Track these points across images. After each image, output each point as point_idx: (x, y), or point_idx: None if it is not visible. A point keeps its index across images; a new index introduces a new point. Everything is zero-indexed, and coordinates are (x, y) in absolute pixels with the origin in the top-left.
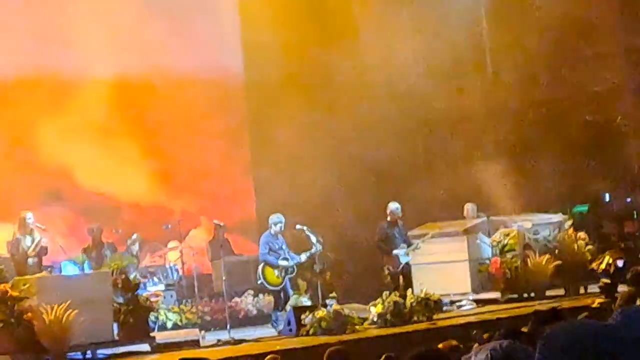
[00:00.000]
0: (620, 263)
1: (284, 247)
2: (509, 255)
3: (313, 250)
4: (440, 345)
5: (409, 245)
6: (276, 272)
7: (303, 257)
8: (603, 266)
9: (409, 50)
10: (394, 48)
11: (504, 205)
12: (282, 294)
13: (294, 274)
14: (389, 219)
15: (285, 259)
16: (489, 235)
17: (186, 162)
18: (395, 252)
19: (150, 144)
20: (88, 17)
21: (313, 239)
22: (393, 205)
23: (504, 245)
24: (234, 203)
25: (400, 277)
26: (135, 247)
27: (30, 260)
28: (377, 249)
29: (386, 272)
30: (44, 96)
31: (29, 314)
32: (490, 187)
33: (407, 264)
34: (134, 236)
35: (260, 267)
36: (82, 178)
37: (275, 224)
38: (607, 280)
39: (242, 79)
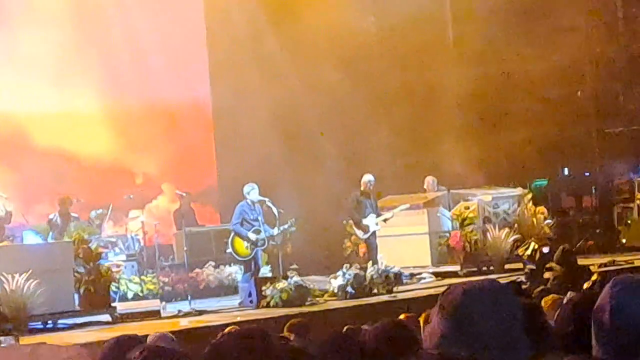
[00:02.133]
0: (545, 249)
1: (259, 218)
2: (468, 229)
3: (286, 226)
4: (402, 317)
5: (379, 216)
6: (245, 243)
7: (276, 230)
8: (529, 252)
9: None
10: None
11: (464, 179)
12: (252, 265)
13: (264, 246)
14: (362, 188)
15: (258, 230)
16: (450, 209)
17: (148, 123)
18: (364, 221)
19: (110, 97)
20: None
21: (274, 210)
22: (367, 177)
23: (464, 219)
24: (195, 170)
25: (365, 247)
26: (97, 218)
27: None
28: (343, 219)
29: (348, 243)
30: None
31: None
32: (451, 161)
33: (372, 236)
34: (100, 211)
35: (230, 237)
36: (38, 136)
37: (249, 193)
38: (532, 267)
39: (205, 43)
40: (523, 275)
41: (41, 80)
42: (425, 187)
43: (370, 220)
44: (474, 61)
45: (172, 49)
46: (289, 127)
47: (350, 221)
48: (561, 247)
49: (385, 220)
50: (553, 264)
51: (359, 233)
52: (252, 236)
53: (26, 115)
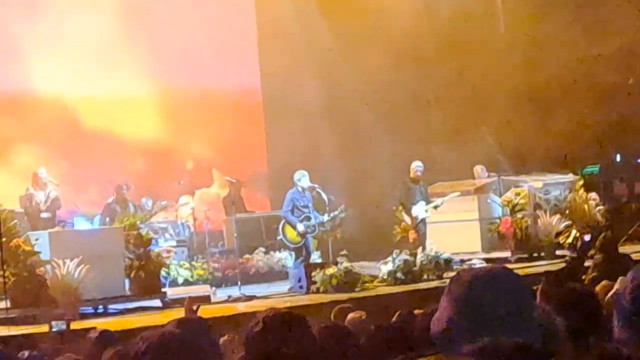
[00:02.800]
0: (587, 237)
1: (309, 204)
2: (519, 215)
3: (337, 213)
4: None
5: (428, 203)
6: (296, 230)
7: (326, 217)
8: (570, 240)
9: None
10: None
11: (515, 165)
12: (302, 251)
13: (315, 232)
14: (411, 175)
15: (308, 217)
16: (500, 195)
17: (199, 110)
18: (414, 208)
19: (161, 83)
20: None
21: (324, 197)
22: (416, 163)
23: (515, 205)
24: (245, 156)
25: (415, 233)
26: (149, 203)
27: (43, 215)
28: (393, 205)
29: (398, 229)
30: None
31: (42, 269)
32: (502, 147)
33: (421, 223)
34: (151, 202)
35: (281, 224)
36: (89, 120)
37: (299, 180)
38: (573, 255)
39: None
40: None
41: (92, 65)
42: (474, 174)
43: (419, 208)
44: (525, 47)
45: (222, 36)
46: (338, 114)
47: (400, 207)
48: (602, 235)
49: (435, 208)
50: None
51: (408, 220)
52: (301, 226)
53: (77, 99)
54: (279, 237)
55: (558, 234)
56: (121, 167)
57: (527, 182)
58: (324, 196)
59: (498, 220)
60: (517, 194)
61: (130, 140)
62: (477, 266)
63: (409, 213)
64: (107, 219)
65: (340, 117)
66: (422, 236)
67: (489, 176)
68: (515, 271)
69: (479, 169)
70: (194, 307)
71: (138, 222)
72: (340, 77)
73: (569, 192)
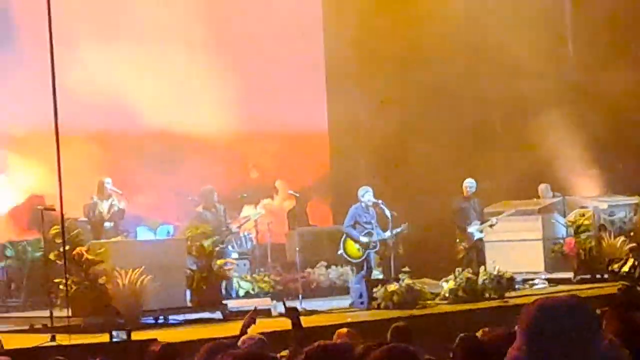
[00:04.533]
0: None
1: (372, 220)
2: (583, 236)
3: (399, 229)
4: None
5: (483, 222)
6: (357, 245)
7: (388, 234)
8: (626, 269)
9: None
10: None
11: (580, 186)
12: (364, 266)
13: (376, 249)
14: (464, 194)
15: (370, 233)
16: (564, 216)
17: (263, 116)
18: (469, 228)
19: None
20: None
21: (387, 213)
22: (468, 181)
23: (579, 226)
24: (309, 169)
25: (474, 253)
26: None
27: (106, 225)
28: (452, 223)
29: (460, 247)
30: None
31: (104, 278)
32: (567, 168)
33: (479, 240)
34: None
35: (342, 238)
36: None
37: (363, 196)
38: (627, 283)
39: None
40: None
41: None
42: (539, 193)
43: (473, 227)
44: (595, 65)
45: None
46: (402, 130)
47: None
48: None
49: (491, 226)
50: None
51: (464, 244)
52: (364, 239)
53: (146, 104)
54: (339, 252)
55: (611, 261)
56: (186, 175)
57: (592, 203)
58: (387, 212)
59: (562, 241)
60: (582, 215)
61: (195, 145)
62: (548, 294)
63: (464, 233)
64: (195, 226)
65: (403, 133)
66: (480, 255)
67: (553, 196)
68: (578, 292)
69: (543, 186)
70: (252, 320)
71: (200, 233)
72: (401, 91)
73: (635, 214)
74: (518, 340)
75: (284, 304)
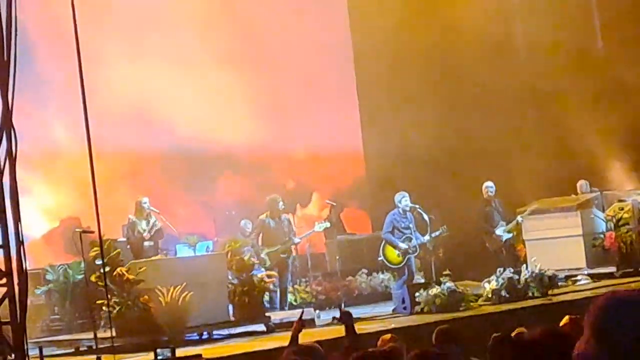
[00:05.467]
0: None
1: (411, 225)
2: (623, 229)
3: (438, 233)
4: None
5: (509, 222)
6: (397, 251)
7: (427, 237)
8: None
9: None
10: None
11: (617, 181)
12: (405, 272)
13: (416, 253)
14: (484, 196)
15: (409, 238)
16: (603, 210)
17: (299, 133)
18: (497, 231)
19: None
20: None
21: (425, 217)
22: (487, 184)
23: (619, 219)
24: (346, 178)
25: (508, 253)
26: (248, 225)
27: (146, 244)
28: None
29: (491, 250)
30: None
31: (146, 297)
32: (605, 163)
33: (507, 240)
34: (250, 224)
35: (382, 245)
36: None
37: (400, 201)
38: None
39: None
40: None
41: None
42: (577, 190)
43: (500, 230)
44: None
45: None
46: (438, 134)
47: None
48: None
49: (517, 225)
50: None
51: (492, 243)
52: (403, 245)
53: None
54: (379, 259)
55: None
56: (222, 188)
57: (631, 196)
58: (425, 216)
59: (602, 236)
60: (621, 208)
61: (229, 161)
62: (592, 290)
63: (491, 237)
64: (260, 234)
65: (440, 134)
66: (511, 254)
67: (591, 191)
68: (622, 287)
69: (582, 182)
70: (301, 325)
71: (239, 247)
72: (433, 97)
73: None
74: (586, 334)
75: (340, 309)
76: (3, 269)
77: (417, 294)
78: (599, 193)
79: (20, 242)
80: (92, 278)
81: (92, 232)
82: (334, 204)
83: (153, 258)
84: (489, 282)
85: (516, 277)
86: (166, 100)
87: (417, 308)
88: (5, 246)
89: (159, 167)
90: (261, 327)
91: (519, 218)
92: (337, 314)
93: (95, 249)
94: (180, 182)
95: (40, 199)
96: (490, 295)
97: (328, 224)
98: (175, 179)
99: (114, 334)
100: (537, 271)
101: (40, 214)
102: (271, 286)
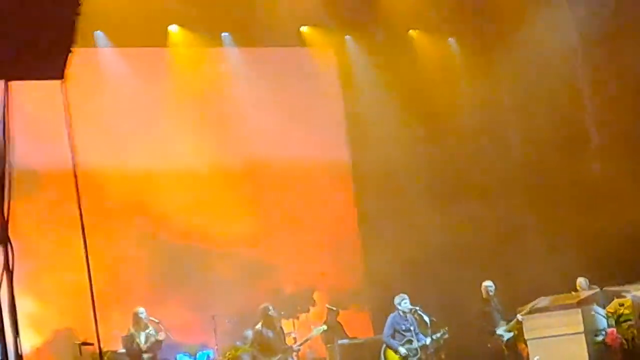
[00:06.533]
0: None
1: (412, 327)
2: (624, 326)
3: (439, 335)
4: None
5: (509, 321)
6: (398, 355)
7: (429, 340)
8: None
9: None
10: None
11: (615, 276)
12: None
13: (417, 356)
14: (483, 296)
15: (409, 341)
16: (603, 307)
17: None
18: (497, 331)
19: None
20: None
21: (426, 319)
22: (486, 283)
23: (620, 315)
24: (343, 277)
25: (506, 352)
26: (249, 333)
27: (145, 356)
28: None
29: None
30: None
31: None
32: (603, 260)
33: (509, 339)
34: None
35: (382, 349)
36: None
37: (399, 304)
38: None
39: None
40: None
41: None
42: (577, 287)
43: (501, 329)
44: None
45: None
46: (434, 232)
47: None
48: None
49: (518, 323)
50: None
51: (494, 343)
52: (403, 349)
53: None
54: None
55: None
56: (214, 297)
57: (630, 292)
58: (426, 318)
59: (604, 332)
60: (621, 304)
61: (226, 263)
62: None
63: (493, 337)
64: (258, 346)
65: (436, 236)
66: (514, 351)
67: (590, 288)
68: None
69: (582, 280)
70: None
71: (240, 353)
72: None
73: None
74: None
75: None
76: None
77: None
78: (598, 290)
79: (19, 358)
80: None
81: (92, 344)
82: (334, 308)
83: None
84: None
85: None
86: (160, 206)
87: None
88: None
89: (154, 272)
90: None
91: (519, 316)
92: None
93: None
94: (177, 289)
95: (27, 310)
96: None
97: (325, 327)
98: (172, 285)
99: None
100: None
101: (28, 325)
102: None
